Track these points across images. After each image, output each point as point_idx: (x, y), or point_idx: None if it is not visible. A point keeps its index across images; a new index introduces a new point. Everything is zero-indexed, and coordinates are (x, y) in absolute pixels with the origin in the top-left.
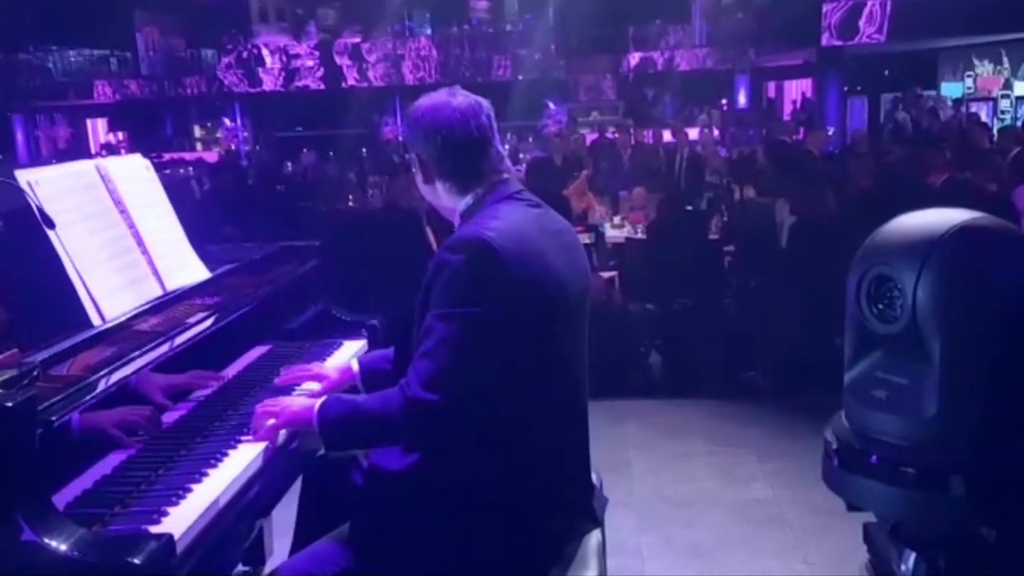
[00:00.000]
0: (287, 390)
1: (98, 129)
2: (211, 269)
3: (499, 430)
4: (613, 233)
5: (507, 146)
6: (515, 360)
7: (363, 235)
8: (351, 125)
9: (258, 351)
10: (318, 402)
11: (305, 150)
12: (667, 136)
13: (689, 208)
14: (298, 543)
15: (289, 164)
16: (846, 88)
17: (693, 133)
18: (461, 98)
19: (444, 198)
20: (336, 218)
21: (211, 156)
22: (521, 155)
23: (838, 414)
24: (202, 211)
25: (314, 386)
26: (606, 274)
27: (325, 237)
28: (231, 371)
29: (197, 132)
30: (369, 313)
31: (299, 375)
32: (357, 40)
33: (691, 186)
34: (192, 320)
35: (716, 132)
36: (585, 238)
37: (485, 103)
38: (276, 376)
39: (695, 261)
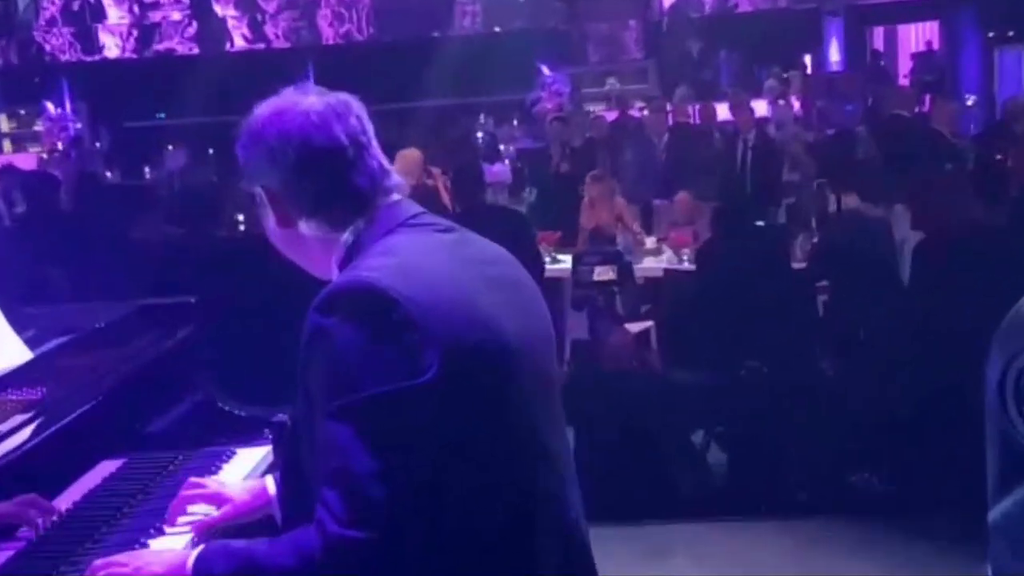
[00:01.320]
0: (157, 524)
1: None
2: (33, 346)
3: (452, 557)
4: (647, 263)
5: (480, 133)
6: (456, 450)
7: (265, 277)
8: (241, 109)
9: (104, 470)
10: (193, 555)
11: (171, 147)
12: (723, 113)
13: (760, 223)
14: None
15: (147, 169)
16: (992, 34)
17: (762, 108)
18: (315, 98)
19: (312, 246)
20: (223, 252)
21: (26, 160)
22: (501, 147)
23: (986, 563)
24: (14, 247)
25: (205, 509)
26: (636, 326)
27: (206, 285)
28: (63, 503)
29: (4, 125)
30: (276, 403)
31: (191, 495)
32: None
33: (761, 189)
34: (2, 428)
35: (797, 105)
36: (608, 272)
37: (353, 100)
38: (133, 507)
39: (771, 303)
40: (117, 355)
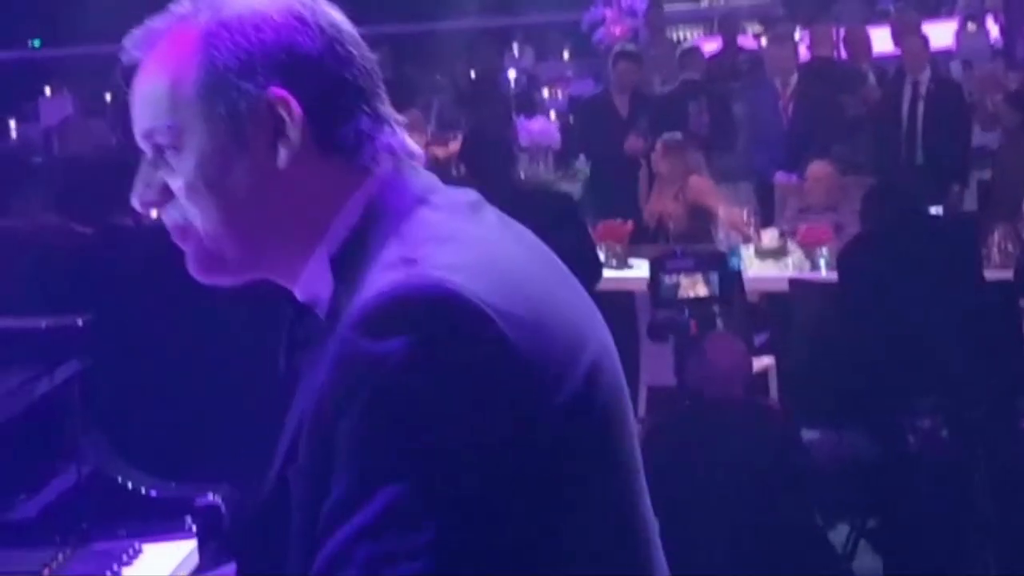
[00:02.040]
0: None
1: None
2: None
3: None
4: (762, 268)
5: (512, 72)
6: (556, 528)
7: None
8: None
9: None
10: None
11: (48, 90)
12: (881, 43)
13: (936, 211)
14: None
15: (12, 123)
16: None
17: (942, 34)
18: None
19: (276, 225)
20: (126, 251)
21: None
22: (544, 92)
23: None
24: None
25: None
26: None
27: (100, 300)
28: None
29: None
30: (203, 478)
31: None
32: None
33: (940, 158)
34: None
35: (995, 31)
36: (699, 284)
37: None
38: None
39: (954, 331)
40: None
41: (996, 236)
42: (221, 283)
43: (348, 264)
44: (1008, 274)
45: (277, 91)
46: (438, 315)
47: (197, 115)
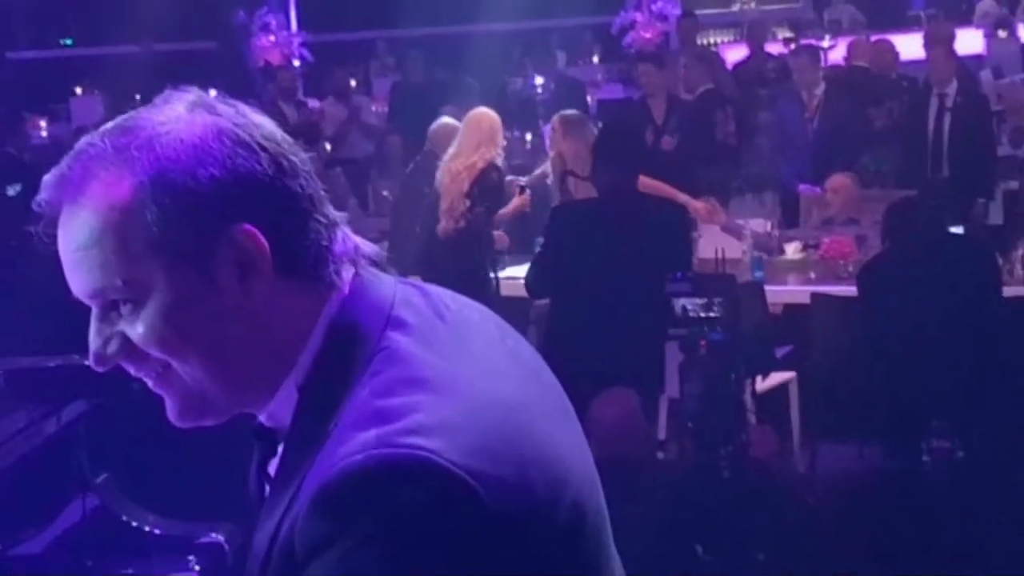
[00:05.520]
0: None
1: None
2: None
3: None
4: (784, 282)
5: (540, 79)
6: None
7: None
8: (183, 32)
9: None
10: None
11: (79, 90)
12: (909, 49)
13: (956, 230)
14: None
15: (44, 124)
16: None
17: (970, 40)
18: (220, 108)
19: (239, 358)
20: None
21: None
22: (590, 98)
23: None
24: None
25: None
26: (767, 381)
27: None
28: None
29: None
30: (206, 517)
31: None
32: None
33: (965, 172)
34: None
35: None
36: (705, 307)
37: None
38: None
39: (973, 350)
40: None
41: (1020, 252)
42: (206, 424)
43: (316, 393)
44: None
45: (239, 228)
46: (410, 490)
47: (156, 266)
